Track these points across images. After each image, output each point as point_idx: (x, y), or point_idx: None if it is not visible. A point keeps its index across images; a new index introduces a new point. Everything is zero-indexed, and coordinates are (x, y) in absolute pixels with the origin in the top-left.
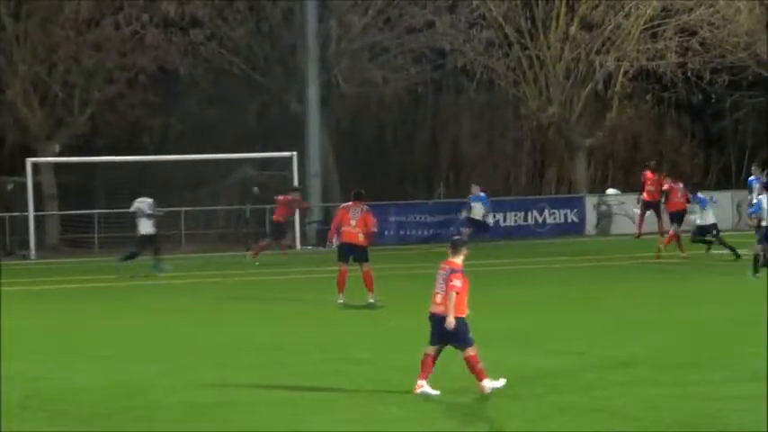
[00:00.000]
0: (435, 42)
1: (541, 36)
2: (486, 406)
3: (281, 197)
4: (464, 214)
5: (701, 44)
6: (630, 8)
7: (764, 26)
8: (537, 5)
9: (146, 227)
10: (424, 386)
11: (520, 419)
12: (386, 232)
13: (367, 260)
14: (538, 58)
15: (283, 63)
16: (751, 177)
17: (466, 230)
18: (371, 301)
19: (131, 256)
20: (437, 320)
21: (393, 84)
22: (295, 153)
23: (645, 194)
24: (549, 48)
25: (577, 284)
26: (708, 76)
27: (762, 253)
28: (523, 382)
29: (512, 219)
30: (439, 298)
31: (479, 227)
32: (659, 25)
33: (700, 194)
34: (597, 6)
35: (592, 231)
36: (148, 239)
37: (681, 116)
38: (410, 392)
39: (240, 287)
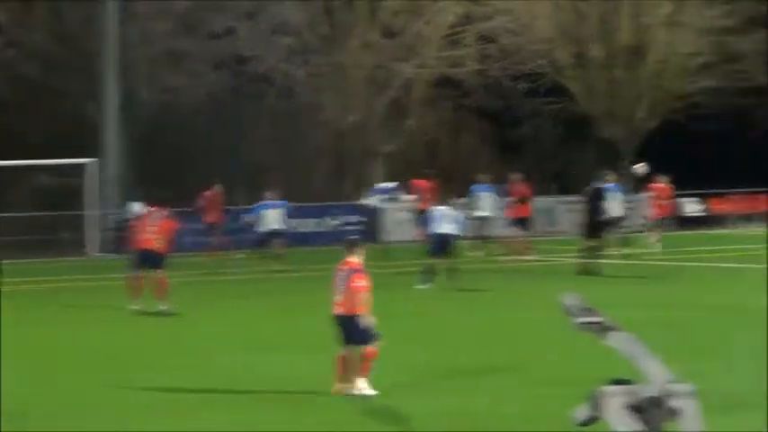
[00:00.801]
0: (236, 49)
1: (342, 43)
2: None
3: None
4: (254, 222)
5: (501, 51)
6: (431, 15)
7: (561, 34)
8: (338, 12)
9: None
10: (361, 386)
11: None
12: (184, 239)
13: (162, 267)
14: (338, 65)
15: (83, 68)
16: (476, 185)
17: (280, 241)
18: (163, 308)
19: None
20: (341, 321)
21: (193, 90)
22: (93, 160)
23: (421, 203)
24: (349, 55)
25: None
26: (507, 83)
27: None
28: (322, 385)
29: (309, 225)
30: (340, 299)
31: (269, 235)
32: (459, 32)
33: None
34: (398, 13)
35: (388, 237)
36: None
37: (480, 123)
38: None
39: (43, 295)
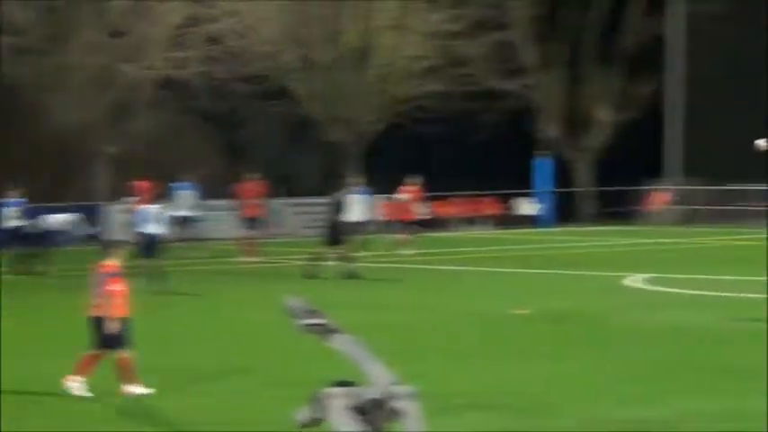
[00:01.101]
0: None
1: (67, 42)
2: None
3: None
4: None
5: (227, 53)
6: (158, 16)
7: (286, 36)
8: (63, 11)
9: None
10: (77, 382)
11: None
12: None
13: None
14: (63, 64)
15: None
16: (177, 183)
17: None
18: None
19: None
20: (96, 324)
21: None
22: None
23: (136, 204)
24: (74, 54)
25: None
26: (233, 86)
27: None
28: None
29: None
30: (96, 301)
31: (13, 235)
32: (186, 34)
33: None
34: (125, 13)
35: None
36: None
37: (206, 125)
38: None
39: None
